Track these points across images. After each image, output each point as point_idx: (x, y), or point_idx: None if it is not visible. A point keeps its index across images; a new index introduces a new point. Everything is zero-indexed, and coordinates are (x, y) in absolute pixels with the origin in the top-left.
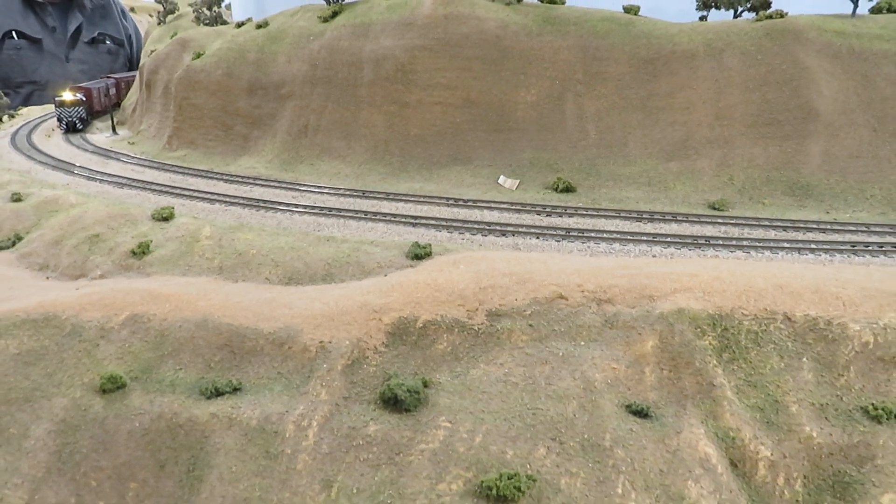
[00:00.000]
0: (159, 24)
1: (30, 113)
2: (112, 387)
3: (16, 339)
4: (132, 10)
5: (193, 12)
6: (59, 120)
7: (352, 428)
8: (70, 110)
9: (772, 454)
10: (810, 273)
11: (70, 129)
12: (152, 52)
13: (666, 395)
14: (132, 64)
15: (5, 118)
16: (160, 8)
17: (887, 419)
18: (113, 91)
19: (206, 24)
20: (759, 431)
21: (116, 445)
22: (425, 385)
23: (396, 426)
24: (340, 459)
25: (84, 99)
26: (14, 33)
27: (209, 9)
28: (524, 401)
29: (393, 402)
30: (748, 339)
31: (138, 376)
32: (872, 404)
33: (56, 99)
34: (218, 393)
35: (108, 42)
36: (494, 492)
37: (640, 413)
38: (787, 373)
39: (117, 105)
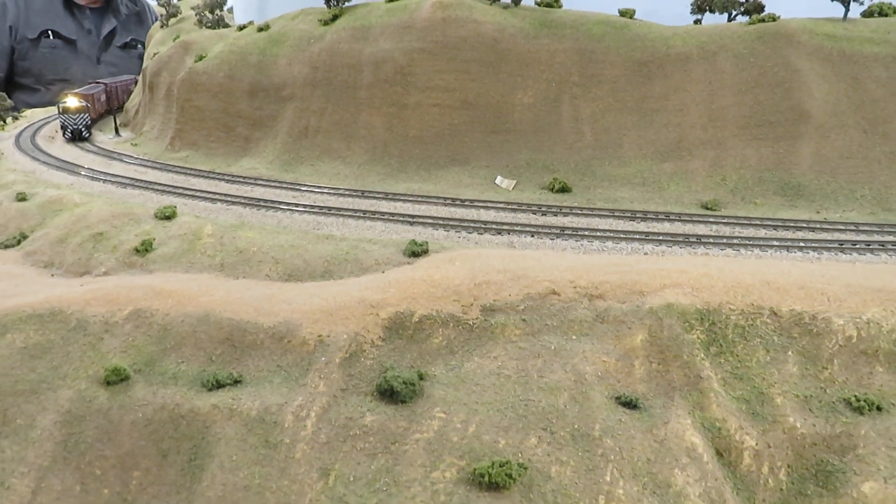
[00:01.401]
0: (162, 27)
1: (33, 115)
2: (116, 379)
3: (22, 334)
4: None
5: (196, 16)
6: (64, 128)
7: (349, 418)
8: (75, 117)
9: (757, 444)
10: (797, 270)
11: (76, 137)
12: (155, 54)
13: (654, 387)
14: None
15: (9, 120)
16: (163, 11)
17: (869, 410)
18: (103, 97)
19: (208, 28)
20: (744, 422)
21: (120, 435)
22: (421, 377)
23: (392, 417)
24: (338, 449)
25: (89, 105)
26: (51, 33)
27: (211, 12)
28: (517, 392)
29: (389, 394)
30: (735, 333)
31: (142, 369)
32: (855, 396)
33: (59, 105)
34: (219, 385)
35: (139, 47)
36: (487, 479)
37: (629, 404)
38: (773, 366)
39: (113, 110)
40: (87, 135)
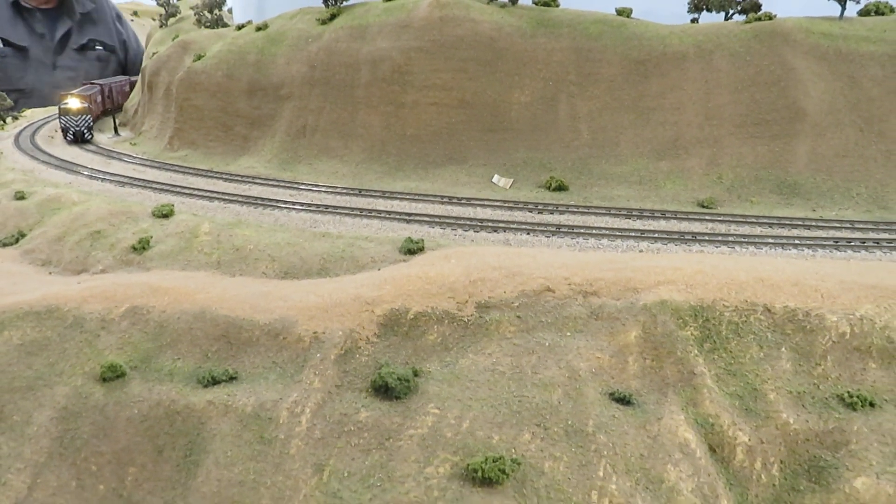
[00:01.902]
0: (161, 26)
1: (33, 115)
2: (112, 375)
3: (19, 331)
4: (135, 13)
5: (195, 15)
6: (65, 130)
7: (343, 414)
8: (77, 119)
9: (749, 440)
10: (791, 267)
11: (78, 139)
12: (154, 54)
13: (648, 383)
14: (126, 70)
15: (9, 120)
16: (162, 11)
17: (862, 406)
18: (99, 99)
19: (207, 27)
20: (737, 418)
21: (116, 431)
22: (415, 374)
23: (387, 413)
24: (332, 444)
25: (91, 106)
26: (0, 41)
27: (210, 12)
28: (511, 389)
29: (384, 390)
30: (729, 330)
31: (138, 365)
32: (848, 392)
33: (60, 106)
34: (214, 381)
35: (97, 48)
36: (480, 475)
37: (623, 400)
38: (766, 362)
39: (108, 111)
40: (90, 136)
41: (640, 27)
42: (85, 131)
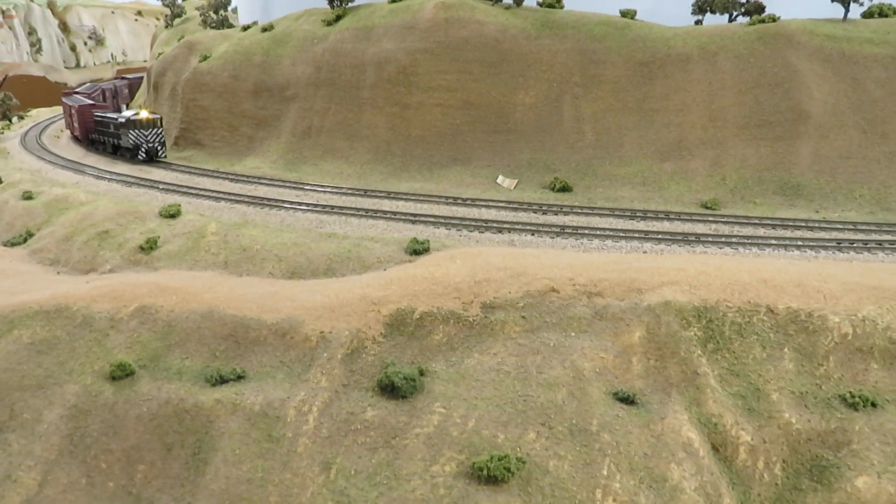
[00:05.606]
0: (166, 27)
1: (38, 115)
2: (121, 374)
3: (29, 330)
4: (139, 13)
5: (200, 16)
6: (135, 148)
7: (350, 413)
8: (148, 133)
9: (752, 439)
10: (794, 268)
11: (151, 156)
12: (159, 55)
13: (652, 383)
14: None
15: (14, 119)
16: (167, 11)
17: (864, 407)
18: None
19: (213, 28)
20: (740, 418)
21: (125, 429)
22: (421, 373)
23: (393, 412)
24: (339, 443)
25: (161, 117)
26: None
27: (216, 12)
28: (516, 388)
29: (390, 389)
30: (732, 330)
31: (146, 364)
32: (850, 392)
33: (116, 118)
34: (222, 380)
35: None
36: (485, 473)
37: (627, 400)
38: (769, 362)
39: None
40: (164, 154)
41: (644, 29)
42: (159, 147)
